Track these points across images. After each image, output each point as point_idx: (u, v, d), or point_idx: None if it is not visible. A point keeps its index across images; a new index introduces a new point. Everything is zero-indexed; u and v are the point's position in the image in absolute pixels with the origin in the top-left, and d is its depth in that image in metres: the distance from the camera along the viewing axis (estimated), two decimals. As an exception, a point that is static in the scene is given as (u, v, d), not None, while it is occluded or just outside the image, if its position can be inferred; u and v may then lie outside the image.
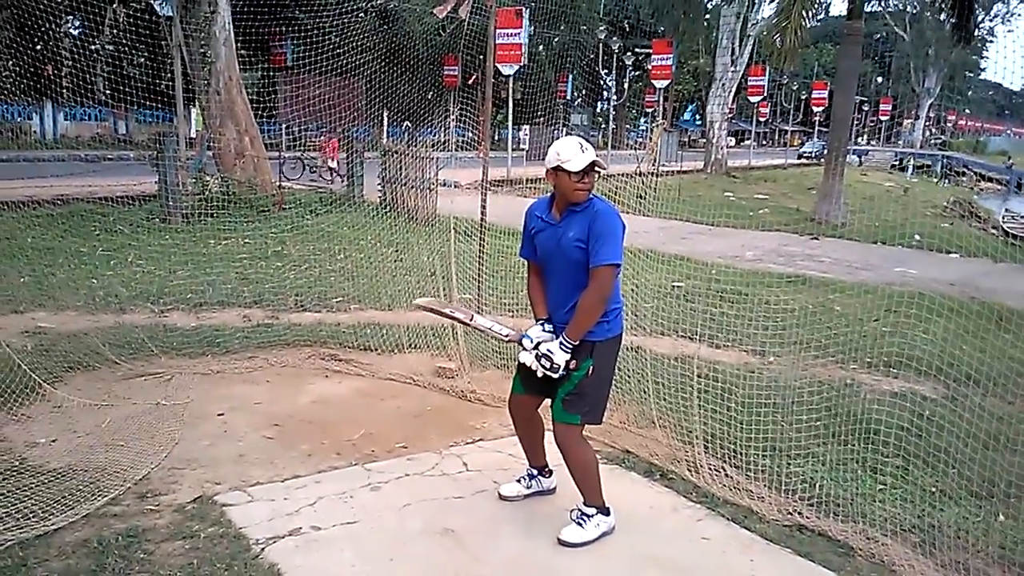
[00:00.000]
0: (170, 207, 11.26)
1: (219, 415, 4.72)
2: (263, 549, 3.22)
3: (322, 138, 19.41)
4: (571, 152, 3.26)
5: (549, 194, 3.49)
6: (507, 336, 3.59)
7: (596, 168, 3.30)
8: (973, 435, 4.09)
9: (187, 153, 13.23)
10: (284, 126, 17.58)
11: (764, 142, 61.06)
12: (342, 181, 18.28)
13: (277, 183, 13.91)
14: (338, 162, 19.42)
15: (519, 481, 3.84)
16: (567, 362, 3.30)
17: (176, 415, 4.64)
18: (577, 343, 3.30)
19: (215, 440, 4.36)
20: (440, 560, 3.26)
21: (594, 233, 3.25)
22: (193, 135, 15.11)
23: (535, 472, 3.84)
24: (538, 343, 3.38)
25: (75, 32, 24.81)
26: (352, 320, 6.85)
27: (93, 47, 23.35)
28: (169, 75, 13.44)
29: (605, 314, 3.34)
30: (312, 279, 8.31)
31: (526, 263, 3.65)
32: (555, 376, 3.32)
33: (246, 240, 9.79)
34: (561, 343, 3.29)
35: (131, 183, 12.31)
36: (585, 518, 3.44)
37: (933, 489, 4.00)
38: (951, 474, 3.98)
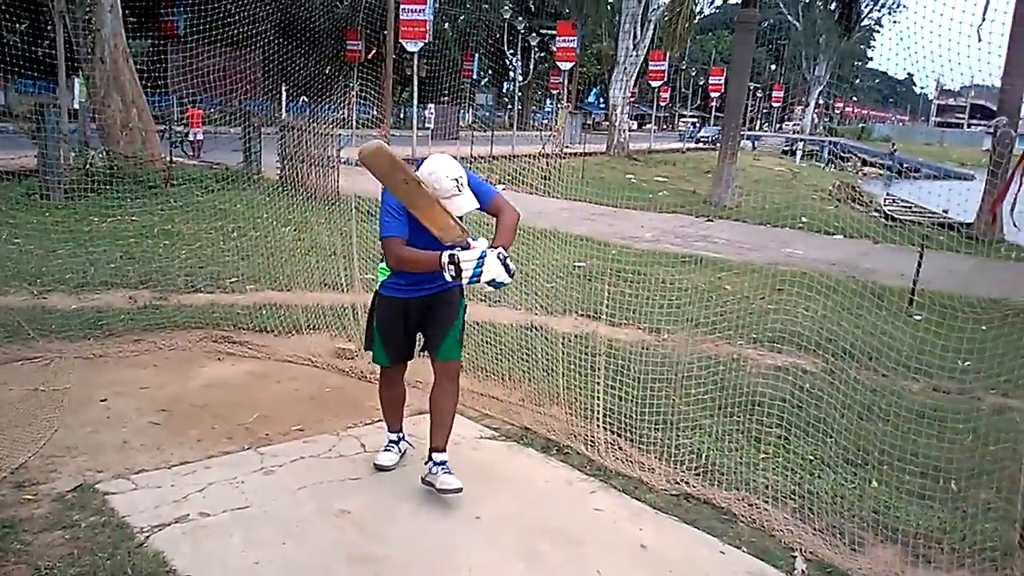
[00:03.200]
0: (50, 183, 10.66)
1: (102, 400, 4.52)
2: (147, 537, 3.12)
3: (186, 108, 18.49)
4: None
5: None
6: (457, 228, 3.28)
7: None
8: (849, 406, 4.36)
9: (70, 125, 12.52)
10: (175, 98, 16.78)
11: (664, 126, 62.49)
12: (198, 156, 17.48)
13: (167, 158, 13.33)
14: (196, 134, 18.51)
15: (388, 450, 3.95)
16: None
17: (55, 401, 4.42)
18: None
19: (97, 426, 4.17)
20: (335, 541, 3.23)
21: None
22: (76, 106, 14.29)
23: (401, 436, 4.00)
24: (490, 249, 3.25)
25: (-54, -4, 22.99)
26: (248, 301, 6.65)
27: (-33, 12, 21.72)
28: (51, 43, 12.68)
29: None
30: (205, 259, 8.02)
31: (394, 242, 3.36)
32: (509, 281, 3.26)
33: (133, 218, 9.35)
34: (507, 257, 3.26)
35: (8, 157, 11.60)
36: (447, 466, 3.55)
37: (811, 457, 4.22)
38: (828, 443, 4.20)
